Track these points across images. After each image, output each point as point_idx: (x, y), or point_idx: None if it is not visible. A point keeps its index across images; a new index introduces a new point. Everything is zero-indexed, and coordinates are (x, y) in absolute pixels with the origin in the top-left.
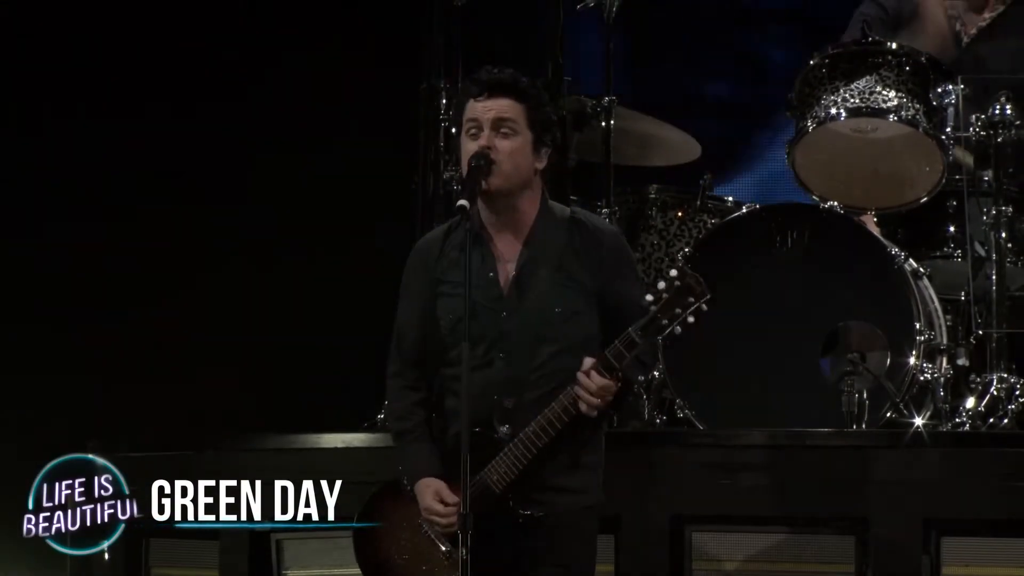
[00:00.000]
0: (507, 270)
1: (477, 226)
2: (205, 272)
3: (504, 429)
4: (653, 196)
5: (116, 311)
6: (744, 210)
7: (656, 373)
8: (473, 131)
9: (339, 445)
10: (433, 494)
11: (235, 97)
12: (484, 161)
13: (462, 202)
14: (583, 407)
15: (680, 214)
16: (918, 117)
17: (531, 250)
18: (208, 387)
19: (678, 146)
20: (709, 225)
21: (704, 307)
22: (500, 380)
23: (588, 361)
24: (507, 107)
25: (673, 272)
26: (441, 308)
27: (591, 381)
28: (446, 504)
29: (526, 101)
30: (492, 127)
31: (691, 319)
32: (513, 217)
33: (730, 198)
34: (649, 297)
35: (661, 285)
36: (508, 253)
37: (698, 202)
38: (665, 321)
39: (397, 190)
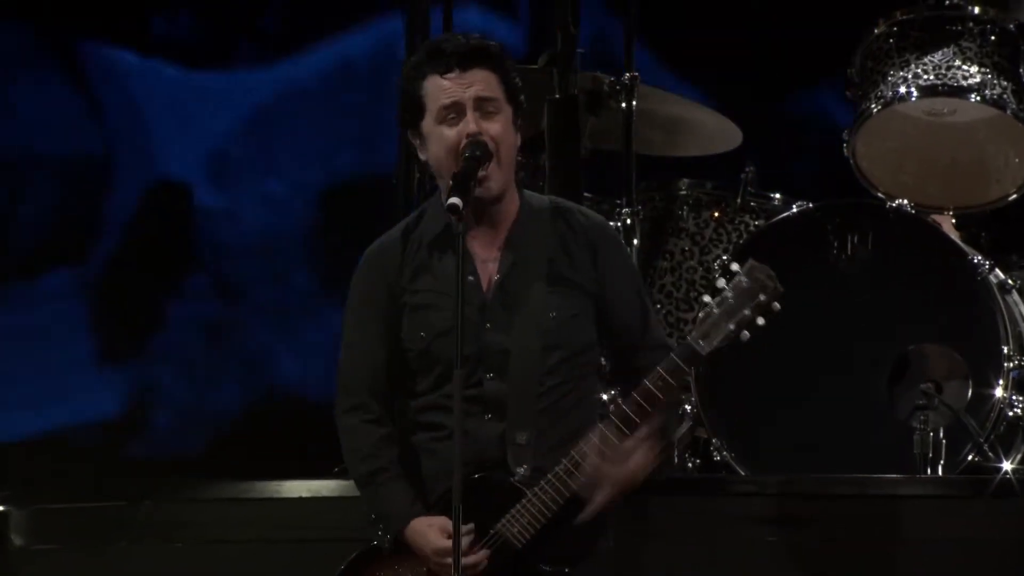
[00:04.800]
0: (488, 272)
1: (444, 224)
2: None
3: (522, 471)
4: (684, 193)
5: None
6: (795, 210)
7: (688, 407)
8: (452, 116)
9: (305, 494)
10: (439, 531)
11: None
12: (481, 151)
13: (454, 200)
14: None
15: (717, 215)
16: (1006, 97)
17: (516, 248)
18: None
19: (714, 132)
20: (752, 228)
21: (777, 306)
22: (495, 403)
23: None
24: (486, 81)
25: (736, 266)
26: (410, 325)
27: (599, 456)
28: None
29: (501, 69)
30: (475, 107)
31: (761, 321)
32: (491, 210)
33: (778, 195)
34: (709, 299)
35: (721, 283)
36: (487, 252)
37: (738, 200)
38: (732, 326)
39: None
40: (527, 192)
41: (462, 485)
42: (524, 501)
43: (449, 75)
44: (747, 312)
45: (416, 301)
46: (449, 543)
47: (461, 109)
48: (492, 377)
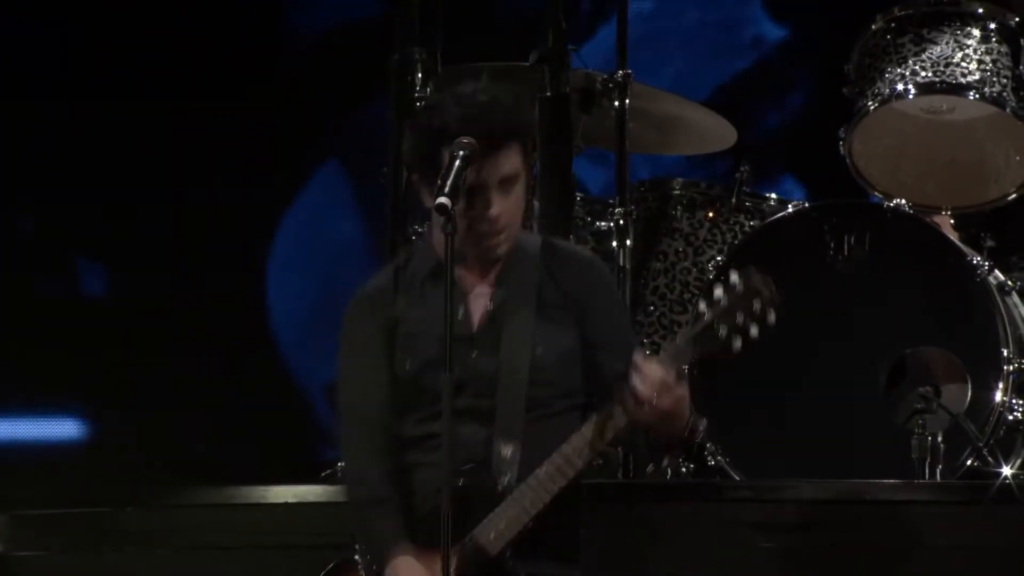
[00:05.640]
0: (479, 306)
1: (436, 260)
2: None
3: (507, 479)
4: (678, 192)
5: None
6: (790, 210)
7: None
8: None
9: (291, 499)
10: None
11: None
12: (470, 151)
13: (442, 200)
14: (631, 404)
15: (711, 215)
16: (1005, 94)
17: (507, 283)
18: (130, 428)
19: (709, 131)
20: (747, 228)
21: (773, 317)
22: (483, 412)
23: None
24: (511, 159)
25: (735, 276)
26: (401, 355)
27: (650, 368)
28: None
29: (526, 140)
30: (499, 189)
31: (755, 331)
32: (486, 250)
33: (773, 195)
34: (703, 304)
35: (718, 292)
36: (476, 287)
37: (733, 200)
38: (723, 331)
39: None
40: (521, 232)
41: (443, 502)
42: (502, 506)
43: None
44: (740, 319)
45: (407, 329)
46: None
47: (483, 188)
48: (481, 399)
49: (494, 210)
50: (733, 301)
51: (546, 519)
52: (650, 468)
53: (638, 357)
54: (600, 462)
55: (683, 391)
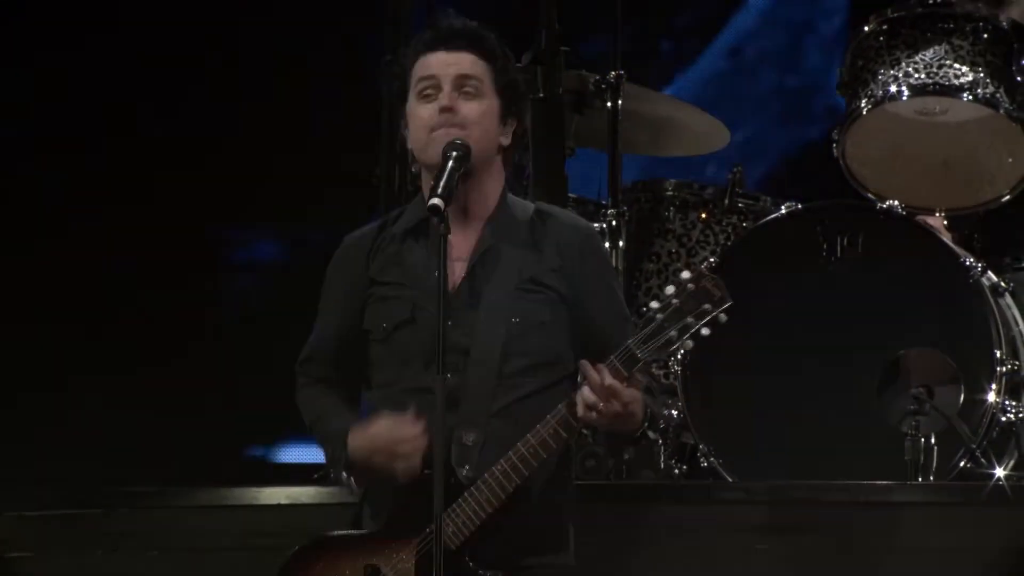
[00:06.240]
0: (457, 269)
1: (420, 216)
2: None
3: (465, 471)
4: (671, 193)
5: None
6: (783, 211)
7: (674, 412)
8: (428, 91)
9: (283, 501)
10: (387, 426)
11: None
12: (462, 151)
13: (435, 201)
14: (580, 410)
15: (704, 215)
16: (998, 96)
17: (487, 247)
18: (122, 428)
19: (701, 132)
20: (740, 229)
21: (723, 317)
22: (449, 399)
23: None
24: (471, 63)
25: (686, 274)
26: (373, 314)
27: (598, 375)
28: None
29: (493, 60)
30: (454, 85)
31: (705, 331)
32: (468, 205)
33: (766, 196)
34: (655, 304)
35: (670, 290)
36: (459, 249)
37: (726, 201)
38: (674, 332)
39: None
40: (513, 197)
41: (414, 481)
42: (460, 500)
43: (435, 51)
44: (691, 319)
45: (382, 292)
46: (402, 429)
47: (438, 84)
48: (450, 376)
49: (446, 101)
50: (683, 303)
51: (532, 512)
52: (611, 463)
53: (585, 364)
54: (593, 463)
55: (634, 394)
